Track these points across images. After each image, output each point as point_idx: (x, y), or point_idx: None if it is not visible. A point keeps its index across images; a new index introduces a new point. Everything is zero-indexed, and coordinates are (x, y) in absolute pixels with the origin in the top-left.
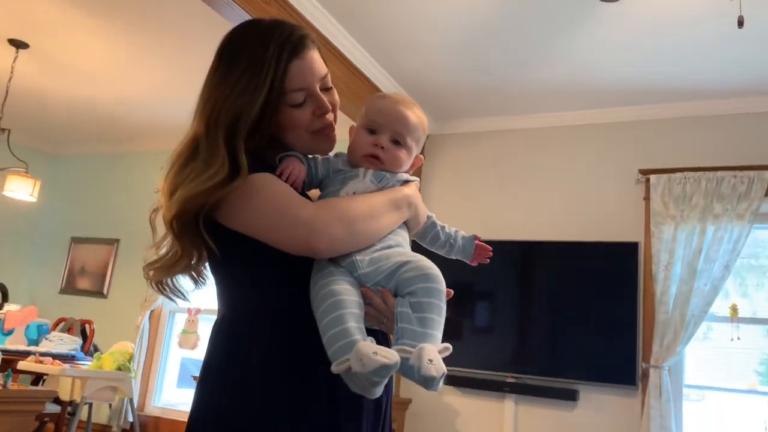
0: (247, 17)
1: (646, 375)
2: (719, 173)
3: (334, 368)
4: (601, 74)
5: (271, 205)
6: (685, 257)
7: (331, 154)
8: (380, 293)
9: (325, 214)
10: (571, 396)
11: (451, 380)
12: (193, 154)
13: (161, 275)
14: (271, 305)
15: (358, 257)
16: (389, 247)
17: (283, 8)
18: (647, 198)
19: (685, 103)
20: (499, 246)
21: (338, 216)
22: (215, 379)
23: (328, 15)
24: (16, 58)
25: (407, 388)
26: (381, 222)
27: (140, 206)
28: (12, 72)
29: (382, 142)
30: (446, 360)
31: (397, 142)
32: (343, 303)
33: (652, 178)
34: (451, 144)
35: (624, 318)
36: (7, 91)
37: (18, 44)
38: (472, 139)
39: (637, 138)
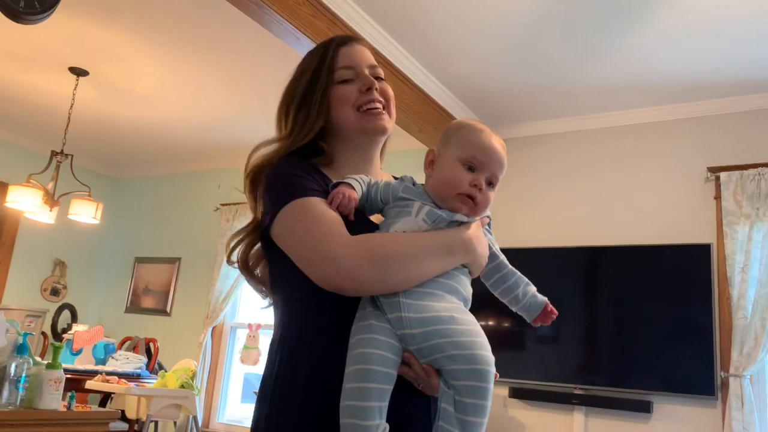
0: (295, 32)
1: (725, 384)
2: None
3: None
4: (661, 68)
5: (308, 236)
6: (762, 258)
7: (395, 179)
8: (425, 369)
9: (356, 251)
10: (644, 408)
11: (517, 393)
12: (284, 116)
13: (240, 243)
14: (319, 327)
15: (407, 314)
16: (439, 297)
17: (331, 20)
18: (718, 197)
19: (755, 95)
20: (563, 253)
21: (371, 255)
22: (264, 395)
23: (376, 25)
24: (76, 85)
25: None
26: (424, 266)
27: (200, 225)
28: (73, 99)
29: (482, 183)
30: (511, 372)
31: (491, 184)
32: (372, 375)
33: (723, 175)
34: (507, 150)
35: (699, 324)
36: (69, 118)
37: (78, 72)
38: (528, 143)
39: (703, 134)
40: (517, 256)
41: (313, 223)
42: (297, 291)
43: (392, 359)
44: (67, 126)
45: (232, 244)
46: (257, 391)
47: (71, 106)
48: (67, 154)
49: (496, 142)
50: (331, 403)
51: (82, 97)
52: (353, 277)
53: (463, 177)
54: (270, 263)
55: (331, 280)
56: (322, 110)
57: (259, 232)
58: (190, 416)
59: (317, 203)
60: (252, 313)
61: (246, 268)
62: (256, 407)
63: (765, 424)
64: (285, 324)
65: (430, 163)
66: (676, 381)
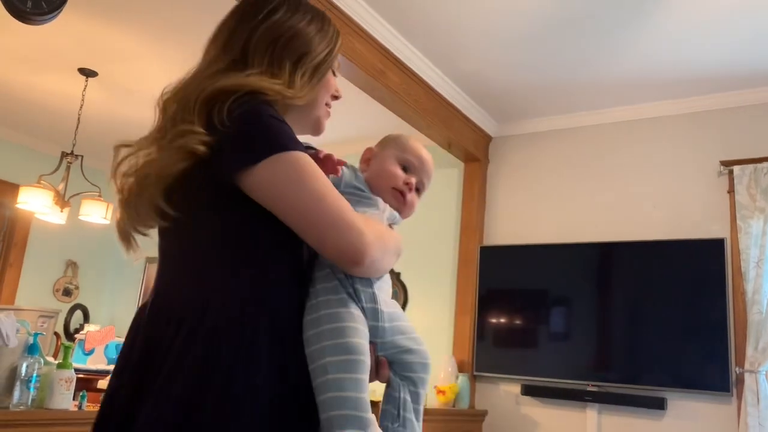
0: None
1: (740, 380)
2: None
3: (337, 415)
4: (673, 62)
5: (329, 200)
6: None
7: (344, 167)
8: (380, 361)
9: (372, 230)
10: (658, 404)
11: (529, 390)
12: (242, 60)
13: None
14: (296, 301)
15: (382, 308)
16: (394, 300)
17: (339, 17)
18: (731, 191)
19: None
20: (574, 249)
21: (381, 237)
22: (212, 378)
23: (384, 21)
24: (86, 86)
25: (483, 400)
26: (392, 261)
27: None
28: (83, 100)
29: (413, 184)
30: (524, 369)
31: (418, 190)
32: (365, 366)
33: (736, 169)
34: (517, 145)
35: (713, 319)
36: (78, 119)
37: (87, 73)
38: (538, 139)
39: (716, 128)
40: (529, 252)
41: (330, 188)
42: (265, 255)
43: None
44: (77, 127)
45: (124, 155)
46: (186, 372)
47: (81, 107)
48: (77, 155)
49: (429, 156)
50: (307, 388)
51: (91, 98)
52: (371, 255)
53: (399, 174)
54: (212, 214)
55: (352, 252)
56: (317, 85)
57: (205, 170)
58: None
59: (317, 165)
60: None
61: (150, 204)
62: (186, 395)
63: None
64: (232, 290)
65: (366, 160)
66: (690, 377)
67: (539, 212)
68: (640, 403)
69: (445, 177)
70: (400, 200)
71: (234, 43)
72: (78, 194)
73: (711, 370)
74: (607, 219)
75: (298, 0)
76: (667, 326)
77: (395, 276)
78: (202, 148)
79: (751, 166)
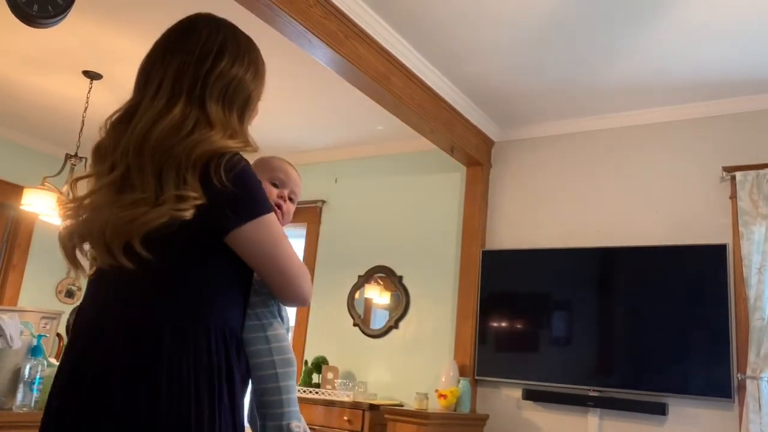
0: (306, 33)
1: (742, 387)
2: None
3: (297, 424)
4: (676, 68)
5: (293, 258)
6: None
7: None
8: None
9: (308, 277)
10: (660, 410)
11: (530, 395)
12: (202, 121)
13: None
14: (239, 323)
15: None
16: None
17: (342, 21)
18: (734, 197)
19: None
20: (577, 254)
21: (309, 281)
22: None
23: (386, 25)
24: (90, 88)
25: (484, 404)
26: None
27: None
28: (87, 102)
29: (286, 196)
30: (525, 374)
31: (291, 199)
32: (295, 374)
33: (738, 175)
34: (520, 150)
35: (715, 325)
36: (83, 121)
37: (92, 75)
38: (541, 143)
39: (719, 134)
40: (531, 256)
41: (290, 244)
42: (228, 287)
43: None
44: (81, 129)
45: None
46: (136, 374)
47: (85, 109)
48: (81, 157)
49: (292, 168)
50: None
51: (96, 100)
52: (310, 298)
53: (272, 191)
54: (205, 245)
55: (302, 299)
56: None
57: (173, 207)
58: None
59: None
60: None
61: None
62: (140, 395)
63: None
64: (198, 312)
65: None
66: (691, 383)
67: (541, 217)
68: (642, 409)
69: (447, 181)
70: (278, 212)
71: (186, 84)
72: None
73: (713, 376)
74: (610, 224)
75: (236, 40)
76: (669, 332)
77: (397, 279)
78: (190, 214)
79: (753, 173)
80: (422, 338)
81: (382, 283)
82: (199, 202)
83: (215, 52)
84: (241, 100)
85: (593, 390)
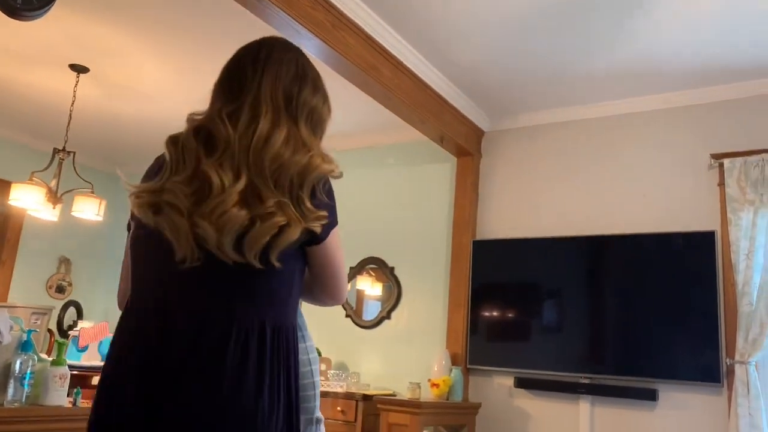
0: (293, 23)
1: (731, 371)
2: None
3: (320, 415)
4: (664, 56)
5: (344, 263)
6: (767, 244)
7: None
8: None
9: None
10: (650, 396)
11: (522, 383)
12: (299, 140)
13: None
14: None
15: None
16: None
17: (329, 11)
18: (722, 184)
19: (758, 80)
20: (567, 242)
21: None
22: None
23: (374, 14)
24: (77, 82)
25: (476, 392)
26: None
27: None
28: (74, 96)
29: None
30: (516, 362)
31: None
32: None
33: (726, 162)
34: (510, 140)
35: (704, 312)
36: (70, 115)
37: (79, 69)
38: (530, 133)
39: (707, 121)
40: (522, 246)
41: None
42: (299, 287)
43: None
44: (69, 123)
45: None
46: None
47: (72, 103)
48: (69, 151)
49: None
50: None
51: (83, 94)
52: None
53: None
54: (295, 255)
55: (345, 297)
56: None
57: (302, 226)
58: None
59: None
60: None
61: (265, 251)
62: (262, 384)
63: None
64: (276, 310)
65: None
66: (681, 368)
67: (532, 206)
68: (633, 395)
69: (437, 172)
70: None
71: (282, 102)
72: (70, 191)
73: (702, 362)
74: (599, 212)
75: (322, 83)
76: (659, 318)
77: (389, 270)
78: (320, 228)
79: (741, 159)
80: (414, 328)
81: (374, 274)
82: (325, 222)
83: (300, 77)
84: (321, 128)
85: (584, 377)
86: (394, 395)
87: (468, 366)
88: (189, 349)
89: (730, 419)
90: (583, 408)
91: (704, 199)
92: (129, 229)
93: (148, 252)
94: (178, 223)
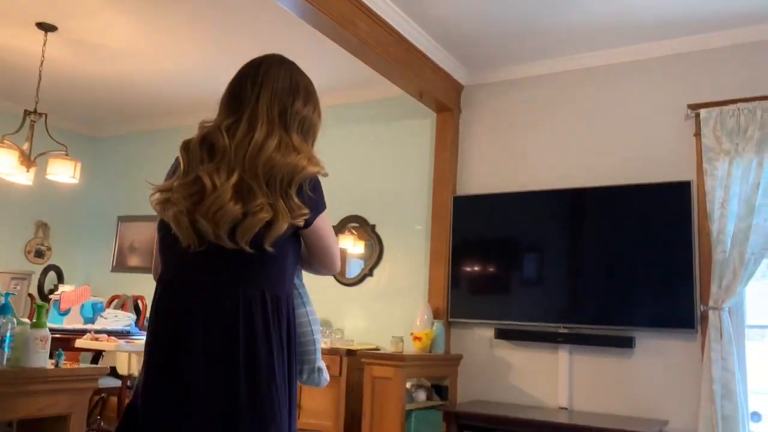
0: None
1: (705, 317)
2: None
3: (321, 365)
4: (640, 6)
5: (336, 241)
6: (741, 193)
7: None
8: None
9: None
10: (627, 343)
11: (502, 334)
12: (290, 145)
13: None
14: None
15: None
16: None
17: None
18: (698, 134)
19: (734, 30)
20: (545, 196)
21: None
22: (281, 334)
23: None
24: (45, 41)
25: (458, 345)
26: None
27: None
28: (43, 56)
29: None
30: (497, 314)
31: None
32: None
33: (703, 112)
34: (489, 94)
35: (679, 260)
36: (40, 76)
37: (46, 27)
38: (509, 87)
39: (683, 72)
40: (502, 200)
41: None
42: (294, 264)
43: None
44: (39, 84)
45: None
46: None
47: (41, 63)
48: (40, 113)
49: None
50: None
51: (52, 53)
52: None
53: None
54: (288, 240)
55: (338, 267)
56: None
57: (288, 221)
58: None
59: None
60: None
61: (260, 238)
62: (275, 345)
63: (742, 354)
64: (274, 283)
65: None
66: (657, 316)
67: (511, 161)
68: (610, 343)
69: (417, 128)
70: None
71: (276, 114)
72: (44, 153)
73: (677, 309)
74: (578, 165)
75: (314, 94)
76: (636, 268)
77: (370, 228)
78: (302, 222)
79: (717, 109)
80: (396, 284)
81: (355, 232)
82: (306, 216)
83: (293, 90)
84: (312, 135)
85: (563, 327)
86: (378, 350)
87: (449, 319)
88: (204, 327)
89: (704, 363)
90: (562, 357)
91: (681, 149)
92: None
93: (166, 239)
94: (179, 218)
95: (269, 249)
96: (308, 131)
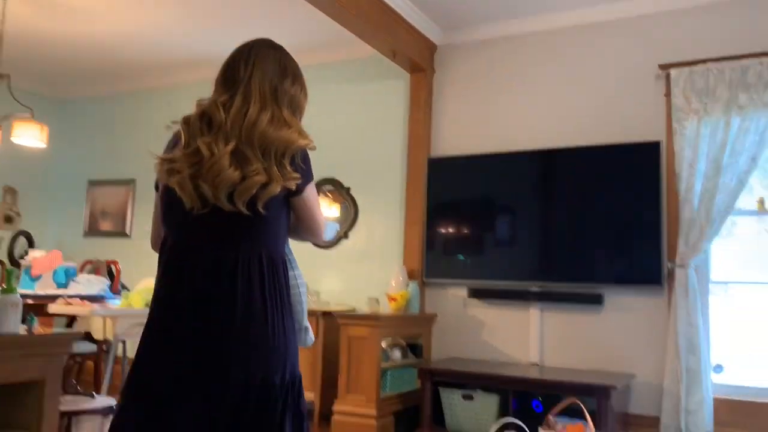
0: None
1: (671, 274)
2: (744, 61)
3: (308, 325)
4: None
5: (321, 210)
6: (709, 153)
7: None
8: None
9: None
10: (596, 300)
11: (476, 293)
12: (282, 120)
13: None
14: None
15: None
16: None
17: None
18: (668, 94)
19: None
20: (517, 157)
21: None
22: (278, 294)
23: None
24: (5, 0)
25: (432, 304)
26: None
27: (152, 144)
28: (3, 15)
29: None
30: (470, 273)
31: None
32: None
33: (673, 72)
34: (462, 54)
35: (648, 219)
36: (1, 36)
37: None
38: (483, 47)
39: (654, 31)
40: (476, 162)
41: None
42: (286, 228)
43: None
44: (1, 44)
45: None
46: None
47: (2, 23)
48: (2, 75)
49: None
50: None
51: (13, 12)
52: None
53: None
54: (281, 203)
55: (324, 236)
56: None
57: (281, 184)
58: None
59: None
60: None
61: (254, 200)
62: (271, 305)
63: (706, 310)
64: (269, 245)
65: None
66: (626, 273)
67: (485, 122)
68: (580, 300)
69: (391, 88)
70: None
71: (268, 92)
72: (8, 116)
73: (645, 267)
74: (550, 126)
75: (301, 76)
76: (606, 227)
77: (345, 191)
78: (295, 186)
79: (687, 69)
80: (372, 247)
81: (330, 195)
82: (298, 180)
83: (282, 72)
84: (299, 112)
85: (534, 285)
86: (354, 311)
87: (424, 280)
88: (209, 279)
89: (670, 319)
90: (533, 314)
91: (651, 110)
92: (157, 188)
93: (171, 204)
94: (183, 183)
95: (263, 211)
96: (296, 109)
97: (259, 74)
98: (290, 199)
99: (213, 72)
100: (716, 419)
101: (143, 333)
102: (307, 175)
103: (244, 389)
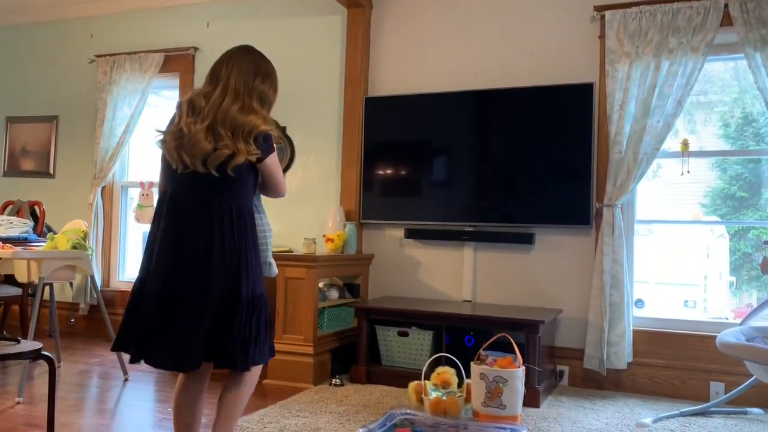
0: None
1: (599, 214)
2: (675, 5)
3: (272, 260)
4: None
5: (282, 174)
6: (639, 95)
7: None
8: None
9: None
10: (527, 239)
11: (412, 234)
12: (251, 109)
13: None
14: (251, 206)
15: None
16: None
17: None
18: (602, 36)
19: None
20: (454, 97)
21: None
22: (240, 242)
23: None
24: None
25: (369, 245)
26: None
27: (75, 79)
28: None
29: None
30: (407, 215)
31: None
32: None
33: (608, 14)
34: None
35: (579, 161)
36: None
37: None
38: None
39: None
40: (413, 102)
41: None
42: (252, 187)
43: None
44: None
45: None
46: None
47: None
48: None
49: None
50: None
51: None
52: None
53: None
54: (248, 169)
55: (285, 194)
56: None
57: (245, 156)
58: (88, 276)
59: None
60: (144, 171)
61: (225, 164)
62: (234, 253)
63: (630, 248)
64: (237, 199)
65: None
66: (556, 214)
67: (421, 61)
68: (512, 240)
69: (327, 25)
70: None
71: (242, 87)
72: None
73: (575, 207)
74: (486, 66)
75: (271, 75)
76: (539, 168)
77: (281, 130)
78: (254, 158)
79: (621, 11)
80: (308, 187)
81: None
82: (258, 155)
83: (255, 71)
84: (267, 104)
85: (468, 226)
86: (291, 252)
87: (361, 221)
88: (192, 223)
89: (596, 256)
90: (467, 253)
91: (586, 51)
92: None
93: (166, 165)
94: (171, 152)
95: (232, 174)
96: (264, 101)
97: (235, 73)
98: (257, 165)
99: (137, 3)
100: (635, 350)
101: (146, 248)
102: (266, 150)
103: (219, 297)
